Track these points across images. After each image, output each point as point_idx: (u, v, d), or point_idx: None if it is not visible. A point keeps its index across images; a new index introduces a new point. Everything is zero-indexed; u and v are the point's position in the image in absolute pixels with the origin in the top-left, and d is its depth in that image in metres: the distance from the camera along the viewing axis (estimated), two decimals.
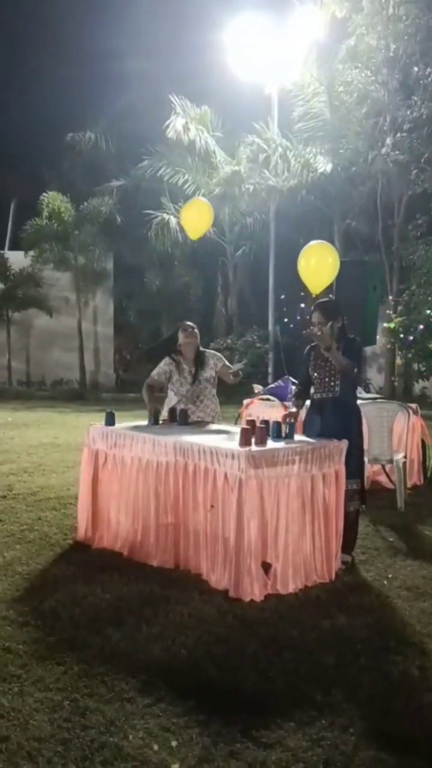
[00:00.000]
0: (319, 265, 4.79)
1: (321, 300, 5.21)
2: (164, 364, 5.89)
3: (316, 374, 5.15)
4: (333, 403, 5.06)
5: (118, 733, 2.88)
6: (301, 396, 5.44)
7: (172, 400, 5.89)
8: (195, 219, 5.54)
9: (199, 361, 5.85)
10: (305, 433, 5.18)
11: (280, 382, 8.47)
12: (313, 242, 4.98)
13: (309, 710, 3.08)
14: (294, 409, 5.27)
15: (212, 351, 6.15)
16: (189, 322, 5.99)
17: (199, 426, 5.52)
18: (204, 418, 5.80)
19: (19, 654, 3.56)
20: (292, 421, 4.97)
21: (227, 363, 5.95)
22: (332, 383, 5.06)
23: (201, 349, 5.94)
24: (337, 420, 5.01)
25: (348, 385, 5.12)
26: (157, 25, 21.29)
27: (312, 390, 5.24)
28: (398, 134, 15.47)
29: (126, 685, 3.27)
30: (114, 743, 2.81)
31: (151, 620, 3.99)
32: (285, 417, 5.02)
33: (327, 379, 5.08)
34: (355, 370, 5.08)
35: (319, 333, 4.90)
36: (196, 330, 5.89)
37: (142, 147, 18.93)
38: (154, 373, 5.91)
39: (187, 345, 5.84)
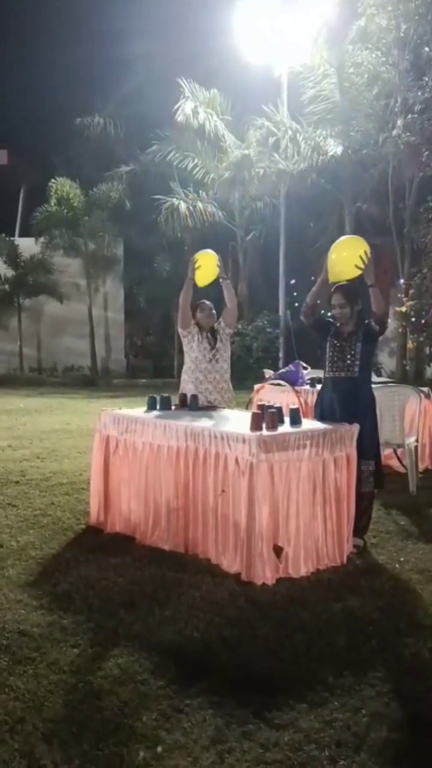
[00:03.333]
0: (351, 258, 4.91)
1: (339, 284, 5.17)
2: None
3: (333, 353, 5.12)
4: (348, 384, 5.05)
5: (132, 715, 2.91)
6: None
7: (187, 384, 5.90)
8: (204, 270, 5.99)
9: (215, 332, 5.97)
10: (317, 414, 5.19)
11: (290, 367, 8.48)
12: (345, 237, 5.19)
13: (321, 692, 3.10)
14: None
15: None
16: (207, 302, 6.05)
17: (210, 411, 5.52)
18: (219, 402, 5.81)
19: (33, 637, 3.60)
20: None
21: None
22: (349, 363, 5.04)
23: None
24: (351, 401, 5.01)
25: (365, 368, 5.12)
26: (164, 7, 21.14)
27: (325, 369, 5.22)
28: (409, 116, 15.32)
29: (139, 667, 3.30)
30: (128, 725, 2.84)
31: (164, 603, 4.02)
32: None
33: (345, 360, 5.06)
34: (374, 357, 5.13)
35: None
36: (213, 311, 6.01)
37: (150, 131, 18.86)
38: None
39: (203, 321, 5.95)
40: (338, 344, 5.10)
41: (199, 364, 5.82)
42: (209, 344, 5.85)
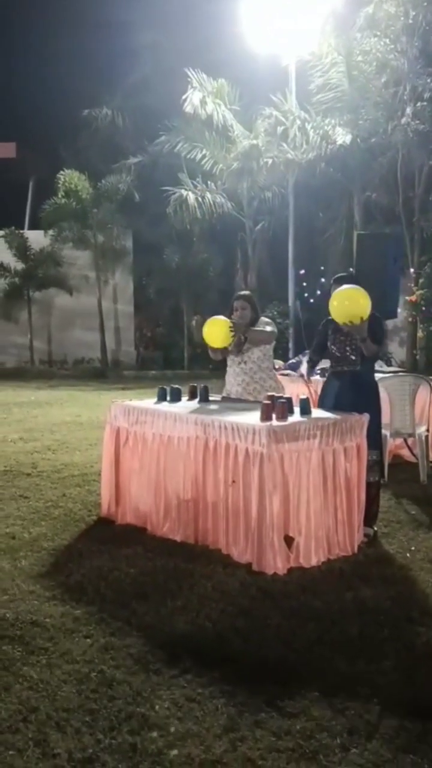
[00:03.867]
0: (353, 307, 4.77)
1: (339, 275, 5.24)
2: None
3: (334, 348, 5.16)
4: (351, 377, 5.08)
5: (145, 704, 2.93)
6: (314, 366, 5.48)
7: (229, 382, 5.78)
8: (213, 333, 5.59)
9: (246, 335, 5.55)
10: (321, 405, 5.21)
11: (300, 357, 8.46)
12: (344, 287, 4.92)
13: (333, 680, 3.12)
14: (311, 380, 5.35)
15: (267, 322, 5.71)
16: (242, 292, 5.83)
17: (221, 402, 5.52)
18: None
19: (46, 627, 3.62)
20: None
21: (260, 329, 5.55)
22: (352, 357, 5.08)
23: (261, 319, 5.61)
24: (355, 393, 5.04)
25: (367, 360, 5.13)
26: None
27: (329, 363, 5.26)
28: (418, 103, 15.21)
29: (152, 656, 3.32)
30: (141, 713, 2.86)
31: (176, 594, 4.04)
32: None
33: (346, 354, 5.11)
34: (380, 348, 5.12)
35: (358, 324, 4.78)
36: (243, 300, 5.60)
37: (158, 122, 18.78)
38: None
39: (237, 315, 5.61)
40: (339, 339, 5.12)
41: (228, 367, 5.76)
42: (237, 347, 5.61)
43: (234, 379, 5.69)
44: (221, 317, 5.46)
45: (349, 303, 4.75)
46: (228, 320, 5.40)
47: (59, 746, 2.66)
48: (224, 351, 5.65)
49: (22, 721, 2.82)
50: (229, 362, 5.73)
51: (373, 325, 4.96)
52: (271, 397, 4.75)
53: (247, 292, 5.89)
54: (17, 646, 3.43)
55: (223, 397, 5.65)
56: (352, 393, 5.06)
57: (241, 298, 5.63)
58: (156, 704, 2.93)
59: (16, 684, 3.09)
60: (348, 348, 5.09)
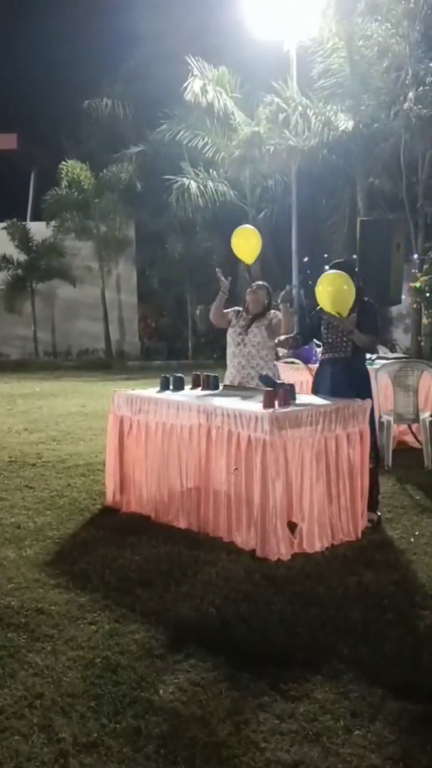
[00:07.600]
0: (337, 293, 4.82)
1: (335, 261, 5.26)
2: (232, 309, 5.91)
3: (328, 335, 5.17)
4: (344, 364, 5.11)
5: (149, 689, 2.95)
6: (298, 343, 5.52)
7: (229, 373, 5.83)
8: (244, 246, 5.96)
9: (259, 316, 5.69)
10: (317, 391, 5.22)
11: (310, 345, 8.44)
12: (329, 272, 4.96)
13: (336, 664, 3.13)
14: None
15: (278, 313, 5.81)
16: (258, 282, 5.97)
17: (225, 389, 5.52)
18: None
19: (51, 615, 3.65)
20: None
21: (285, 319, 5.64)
22: (344, 344, 5.12)
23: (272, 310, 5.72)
24: (347, 380, 5.07)
25: (359, 348, 5.15)
26: None
27: (321, 350, 5.31)
28: (420, 88, 15.08)
29: (156, 642, 3.34)
30: (145, 698, 2.89)
31: (180, 580, 4.06)
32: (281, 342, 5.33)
33: (339, 341, 5.14)
34: (374, 339, 5.13)
35: (339, 320, 4.91)
36: (260, 289, 5.81)
37: (159, 111, 18.69)
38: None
39: (251, 302, 5.77)
40: (332, 326, 5.14)
41: (228, 347, 5.78)
42: (241, 328, 5.68)
43: (231, 360, 5.73)
44: (249, 227, 5.90)
45: (332, 290, 4.86)
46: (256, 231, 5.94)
47: (64, 731, 2.68)
48: (228, 321, 5.83)
49: (27, 706, 2.85)
50: (229, 340, 5.76)
51: (365, 314, 4.99)
52: (273, 384, 4.75)
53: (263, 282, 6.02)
54: (22, 633, 3.46)
55: (225, 386, 5.64)
56: (346, 380, 5.10)
57: (254, 288, 5.85)
58: (160, 689, 2.95)
59: (22, 670, 3.12)
60: (342, 336, 5.10)
